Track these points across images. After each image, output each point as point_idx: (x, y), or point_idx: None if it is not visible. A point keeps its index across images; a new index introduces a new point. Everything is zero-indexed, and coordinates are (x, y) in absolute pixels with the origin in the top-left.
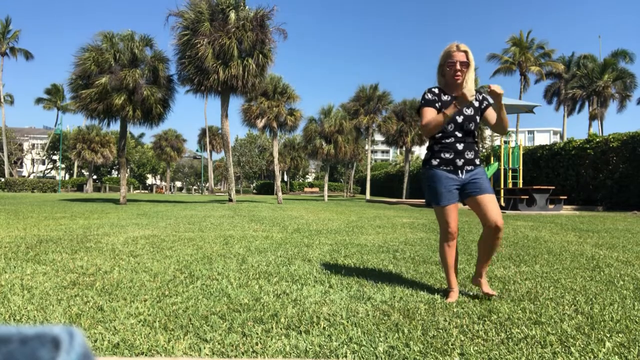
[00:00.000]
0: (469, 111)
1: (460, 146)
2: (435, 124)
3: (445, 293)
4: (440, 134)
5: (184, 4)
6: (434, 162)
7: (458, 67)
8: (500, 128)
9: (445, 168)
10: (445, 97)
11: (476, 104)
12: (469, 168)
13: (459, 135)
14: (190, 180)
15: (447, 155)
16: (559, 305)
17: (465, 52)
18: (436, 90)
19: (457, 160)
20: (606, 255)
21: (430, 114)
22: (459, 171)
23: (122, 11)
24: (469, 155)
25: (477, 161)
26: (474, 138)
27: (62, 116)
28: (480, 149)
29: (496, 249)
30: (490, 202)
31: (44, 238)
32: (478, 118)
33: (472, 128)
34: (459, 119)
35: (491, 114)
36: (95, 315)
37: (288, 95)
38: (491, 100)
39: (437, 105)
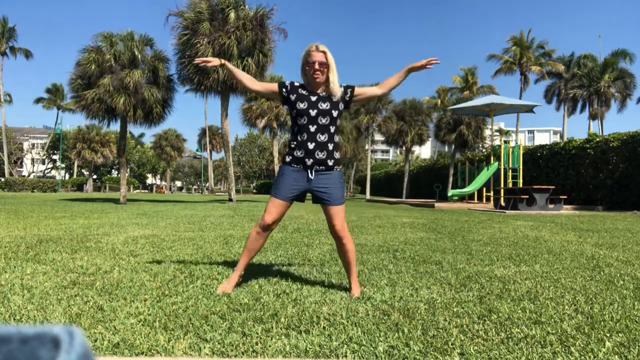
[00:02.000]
0: (324, 105)
1: (311, 145)
2: (268, 89)
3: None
4: (296, 128)
5: (184, 3)
6: (287, 159)
7: (317, 66)
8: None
9: (295, 166)
10: (303, 92)
11: (334, 99)
12: (319, 168)
13: (312, 130)
14: (190, 180)
15: (299, 153)
16: (559, 305)
17: (324, 52)
18: (297, 84)
19: (307, 160)
20: (606, 254)
21: (268, 84)
22: (309, 171)
23: (122, 11)
24: (320, 155)
25: (331, 162)
26: (329, 136)
27: (62, 116)
28: (481, 149)
29: (351, 257)
30: (336, 213)
31: (44, 238)
32: (335, 113)
33: (327, 122)
34: (313, 112)
35: (362, 95)
36: (95, 315)
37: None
38: (351, 87)
39: (284, 91)
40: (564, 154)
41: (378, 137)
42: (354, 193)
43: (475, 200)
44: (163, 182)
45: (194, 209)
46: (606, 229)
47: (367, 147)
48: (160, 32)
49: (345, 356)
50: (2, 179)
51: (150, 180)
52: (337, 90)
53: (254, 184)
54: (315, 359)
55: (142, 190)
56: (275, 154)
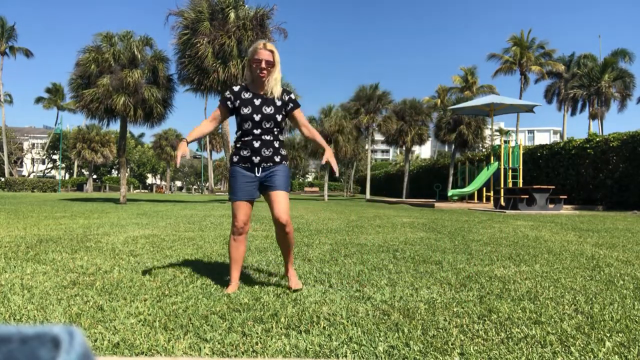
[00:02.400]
0: (268, 109)
1: (256, 144)
2: (201, 131)
3: (227, 283)
4: (240, 132)
5: (184, 3)
6: (235, 159)
7: (263, 65)
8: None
9: (243, 165)
10: (246, 95)
11: (278, 102)
12: (265, 165)
13: (257, 132)
14: (190, 180)
15: (245, 152)
16: (559, 304)
17: (272, 51)
18: (236, 89)
19: (254, 158)
20: (606, 254)
21: (213, 114)
22: (256, 168)
23: (122, 11)
24: (266, 152)
25: (278, 158)
26: (274, 136)
27: (62, 116)
28: (481, 149)
29: (291, 245)
30: (279, 198)
31: (44, 237)
32: (279, 117)
33: (271, 127)
34: (257, 117)
35: (296, 119)
36: (95, 315)
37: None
38: (295, 105)
39: (229, 103)
40: (564, 154)
41: (378, 137)
42: (354, 193)
43: (475, 200)
44: (163, 182)
45: (194, 209)
46: (606, 229)
47: (367, 147)
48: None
49: (345, 356)
50: (2, 179)
51: (150, 180)
52: (278, 91)
53: None
54: (315, 359)
55: (142, 190)
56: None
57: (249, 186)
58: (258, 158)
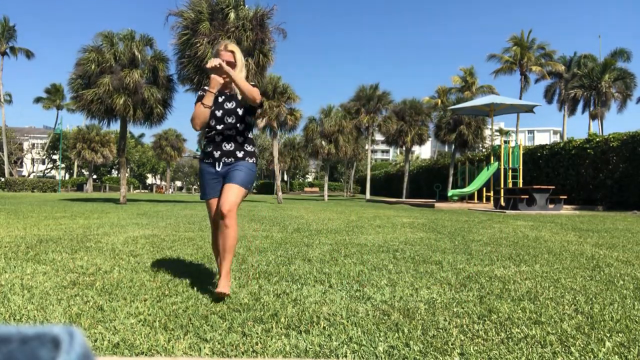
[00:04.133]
0: (229, 105)
1: (218, 138)
2: (198, 114)
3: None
4: (207, 129)
5: (184, 3)
6: (201, 156)
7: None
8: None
9: (206, 161)
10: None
11: (240, 96)
12: (227, 160)
13: (219, 128)
14: (190, 180)
15: (209, 148)
16: (559, 305)
17: (232, 52)
18: (206, 87)
19: (215, 153)
20: (606, 254)
21: (196, 109)
22: (216, 163)
23: (122, 11)
24: (227, 147)
25: (240, 154)
26: (237, 131)
27: (62, 116)
28: (481, 149)
29: (229, 245)
30: (227, 189)
31: (44, 238)
32: (241, 111)
33: (234, 121)
34: (219, 112)
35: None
36: (95, 315)
37: (288, 96)
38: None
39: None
40: (564, 154)
41: (378, 137)
42: (354, 193)
43: (475, 200)
44: (163, 182)
45: (194, 209)
46: (606, 229)
47: (367, 147)
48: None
49: (345, 356)
50: (2, 179)
51: (150, 180)
52: (250, 89)
53: (254, 184)
54: (315, 359)
55: (142, 190)
56: (276, 154)
57: (214, 183)
58: (218, 152)
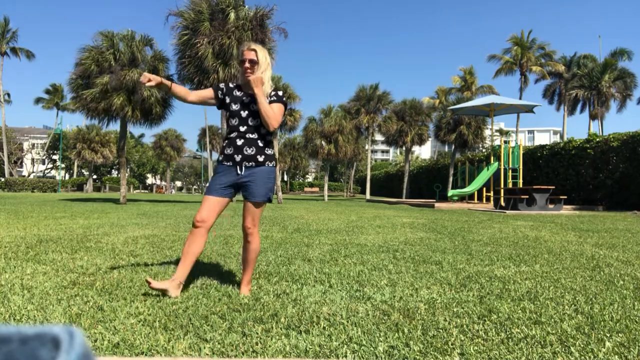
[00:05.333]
0: (255, 107)
1: (239, 142)
2: (180, 89)
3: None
4: (228, 129)
5: (184, 3)
6: (220, 157)
7: (247, 64)
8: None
9: (226, 163)
10: (237, 93)
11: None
12: (248, 164)
13: (242, 129)
14: (190, 180)
15: (229, 151)
16: (559, 305)
17: (255, 50)
18: (231, 85)
19: (236, 156)
20: (606, 255)
21: (202, 91)
22: (238, 167)
23: (123, 11)
24: (249, 151)
25: (261, 158)
26: (259, 134)
27: (62, 116)
28: (481, 149)
29: (252, 257)
30: (251, 210)
31: (44, 238)
32: None
33: (258, 124)
34: (244, 113)
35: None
36: (95, 315)
37: (288, 95)
38: (271, 100)
39: (220, 93)
40: (564, 154)
41: (378, 137)
42: (354, 193)
43: (475, 200)
44: (163, 182)
45: (194, 209)
46: (606, 229)
47: (367, 147)
48: (160, 32)
49: (345, 356)
50: (2, 179)
51: (150, 180)
52: (266, 90)
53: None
54: (315, 359)
55: (142, 191)
56: (276, 154)
57: (223, 183)
58: (240, 156)
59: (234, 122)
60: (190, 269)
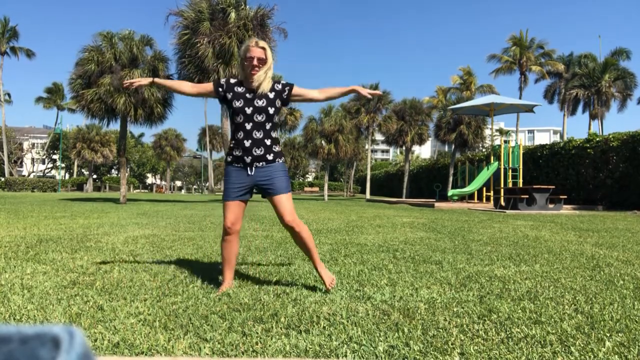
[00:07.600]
0: (260, 102)
1: (247, 143)
2: (172, 82)
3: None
4: (233, 127)
5: (184, 3)
6: (229, 159)
7: (255, 62)
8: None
9: (236, 165)
10: (239, 89)
11: (271, 95)
12: (259, 165)
13: (248, 128)
14: (190, 180)
15: (237, 152)
16: (559, 304)
17: (264, 48)
18: (233, 81)
19: (246, 158)
20: (606, 254)
21: (203, 85)
22: (248, 168)
23: (123, 11)
24: (257, 152)
25: (271, 156)
26: (265, 131)
27: (62, 115)
28: (481, 148)
29: (309, 244)
30: (282, 202)
31: (44, 237)
32: (271, 110)
33: (263, 120)
34: (248, 110)
35: (301, 95)
36: (95, 315)
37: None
38: (289, 85)
39: (220, 90)
40: (564, 153)
41: (378, 137)
42: (354, 193)
43: (475, 200)
44: (163, 182)
45: (194, 209)
46: (606, 228)
47: (367, 147)
48: (160, 32)
49: (345, 356)
50: (2, 179)
51: (150, 180)
52: (268, 86)
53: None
54: (315, 359)
55: (142, 190)
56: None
57: (239, 187)
58: (249, 158)
59: (239, 119)
60: (234, 269)
